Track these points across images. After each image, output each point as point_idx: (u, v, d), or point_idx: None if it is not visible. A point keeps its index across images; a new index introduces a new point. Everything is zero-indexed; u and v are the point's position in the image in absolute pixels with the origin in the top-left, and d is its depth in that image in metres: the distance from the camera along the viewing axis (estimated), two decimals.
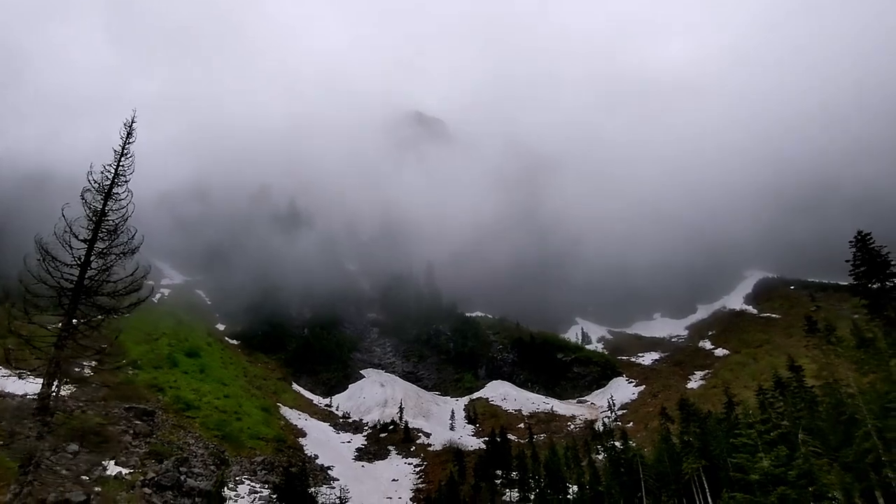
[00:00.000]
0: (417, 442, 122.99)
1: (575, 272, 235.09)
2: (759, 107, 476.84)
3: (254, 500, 49.50)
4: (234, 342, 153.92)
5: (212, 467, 75.61)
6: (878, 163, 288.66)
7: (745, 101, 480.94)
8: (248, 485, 78.71)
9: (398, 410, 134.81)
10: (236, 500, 69.48)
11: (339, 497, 30.45)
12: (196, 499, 64.21)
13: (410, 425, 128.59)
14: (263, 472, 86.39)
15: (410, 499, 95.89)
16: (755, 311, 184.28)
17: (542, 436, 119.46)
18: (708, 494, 58.38)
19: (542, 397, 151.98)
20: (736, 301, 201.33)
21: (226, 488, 73.92)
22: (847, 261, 31.06)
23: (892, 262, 29.52)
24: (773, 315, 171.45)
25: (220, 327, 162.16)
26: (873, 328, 33.95)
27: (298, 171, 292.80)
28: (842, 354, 53.19)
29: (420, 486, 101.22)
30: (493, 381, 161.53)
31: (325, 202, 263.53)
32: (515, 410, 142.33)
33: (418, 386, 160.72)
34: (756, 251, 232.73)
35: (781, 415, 48.29)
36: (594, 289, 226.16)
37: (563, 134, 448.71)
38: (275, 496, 47.98)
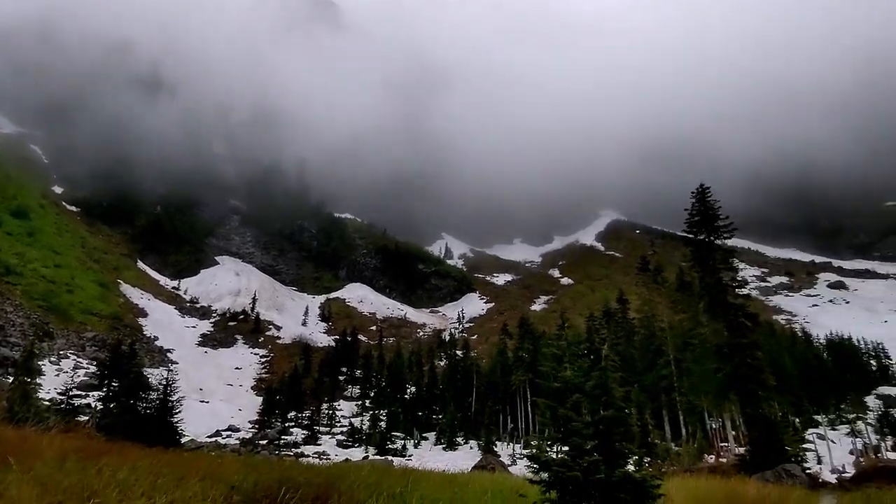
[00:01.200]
0: (267, 333, 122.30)
1: (448, 189, 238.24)
2: (652, 56, 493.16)
3: (74, 375, 46.66)
4: (74, 209, 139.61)
5: (32, 338, 69.94)
6: (737, 128, 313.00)
7: (642, 49, 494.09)
8: (74, 360, 74.32)
9: (251, 301, 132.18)
10: (58, 375, 65.35)
11: (167, 378, 29.25)
12: (9, 369, 59.36)
13: (262, 317, 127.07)
14: (93, 348, 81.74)
15: (252, 387, 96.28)
16: (602, 248, 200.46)
17: (392, 340, 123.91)
18: (529, 404, 64.74)
19: (398, 304, 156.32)
20: (588, 237, 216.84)
21: (47, 361, 69.07)
22: (686, 209, 33.65)
23: (721, 217, 32.40)
24: (617, 254, 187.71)
25: (58, 190, 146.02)
26: (692, 274, 37.89)
27: (166, 32, 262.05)
28: (663, 294, 59.91)
29: (264, 375, 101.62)
30: (353, 284, 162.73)
31: (193, 72, 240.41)
32: (370, 313, 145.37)
33: (276, 279, 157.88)
34: (615, 194, 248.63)
35: (603, 339, 53.75)
36: (464, 207, 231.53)
37: (463, 53, 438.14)
38: (100, 373, 45.54)
